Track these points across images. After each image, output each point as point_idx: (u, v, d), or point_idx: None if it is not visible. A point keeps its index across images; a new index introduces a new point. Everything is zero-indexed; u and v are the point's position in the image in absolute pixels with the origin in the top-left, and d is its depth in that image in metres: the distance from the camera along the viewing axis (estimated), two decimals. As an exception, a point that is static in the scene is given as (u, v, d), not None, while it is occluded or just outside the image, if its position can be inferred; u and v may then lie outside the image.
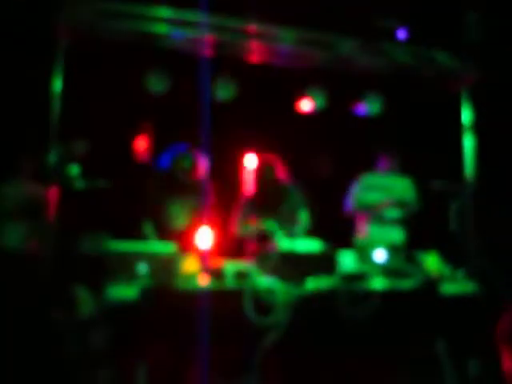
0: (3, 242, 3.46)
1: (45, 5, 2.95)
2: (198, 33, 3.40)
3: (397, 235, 3.78)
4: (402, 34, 3.75)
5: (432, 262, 3.03)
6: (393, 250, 3.08)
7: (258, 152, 3.60)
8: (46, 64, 3.10)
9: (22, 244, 3.46)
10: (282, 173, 3.46)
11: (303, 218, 3.51)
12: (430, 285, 2.89)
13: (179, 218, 3.27)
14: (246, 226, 3.34)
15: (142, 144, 3.51)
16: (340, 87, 4.39)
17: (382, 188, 3.83)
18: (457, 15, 3.64)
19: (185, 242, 2.92)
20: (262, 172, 3.44)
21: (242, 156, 3.96)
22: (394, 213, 3.83)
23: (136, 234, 3.06)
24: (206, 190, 3.34)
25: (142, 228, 3.14)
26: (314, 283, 2.71)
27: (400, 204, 3.81)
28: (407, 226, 3.86)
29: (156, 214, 3.26)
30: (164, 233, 3.15)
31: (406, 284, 2.90)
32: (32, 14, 2.98)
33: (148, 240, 3.06)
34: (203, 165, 3.40)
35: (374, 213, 3.79)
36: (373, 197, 3.82)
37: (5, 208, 3.49)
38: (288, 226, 3.37)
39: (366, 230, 3.82)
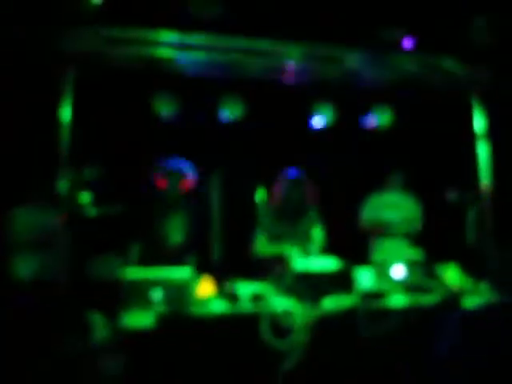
0: (16, 273, 3.43)
1: (46, 33, 2.96)
2: (203, 55, 3.38)
3: (414, 250, 3.69)
4: (408, 44, 3.68)
5: (452, 275, 2.97)
6: (411, 265, 3.03)
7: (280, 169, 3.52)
8: (55, 93, 3.10)
9: (36, 274, 3.42)
10: (309, 191, 3.42)
11: (318, 235, 3.47)
12: (452, 299, 2.82)
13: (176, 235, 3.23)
14: (265, 247, 3.30)
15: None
16: (348, 101, 4.36)
17: (392, 206, 3.86)
18: (464, 19, 3.55)
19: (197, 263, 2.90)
20: (291, 188, 3.37)
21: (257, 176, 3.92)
22: (405, 229, 3.84)
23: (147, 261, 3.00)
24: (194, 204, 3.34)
25: (129, 251, 3.09)
26: (331, 303, 2.67)
27: (408, 221, 3.84)
28: (423, 240, 3.82)
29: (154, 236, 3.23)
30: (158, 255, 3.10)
31: (427, 300, 2.84)
32: (33, 44, 2.98)
33: (132, 264, 2.98)
34: (191, 179, 3.38)
35: (387, 230, 3.80)
36: (384, 215, 3.85)
37: (16, 238, 3.46)
38: (303, 243, 3.33)
39: (381, 246, 3.81)
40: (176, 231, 3.32)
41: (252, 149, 4.42)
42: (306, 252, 3.20)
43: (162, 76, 3.55)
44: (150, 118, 4.08)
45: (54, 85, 3.12)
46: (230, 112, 4.24)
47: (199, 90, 4.09)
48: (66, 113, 3.14)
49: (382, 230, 3.81)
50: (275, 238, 3.33)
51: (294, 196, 3.34)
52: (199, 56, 3.45)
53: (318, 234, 3.48)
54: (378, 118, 4.54)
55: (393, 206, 3.85)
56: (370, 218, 3.88)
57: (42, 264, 3.42)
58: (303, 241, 3.35)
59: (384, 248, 3.78)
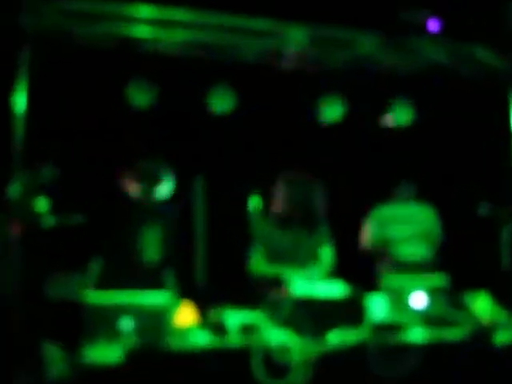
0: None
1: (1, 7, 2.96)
2: (188, 34, 3.40)
3: (436, 275, 3.73)
4: (434, 26, 3.74)
5: (483, 305, 3.01)
6: (433, 292, 3.07)
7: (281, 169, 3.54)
8: (7, 77, 3.10)
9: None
10: (318, 198, 3.41)
11: (327, 255, 3.47)
12: (482, 334, 2.85)
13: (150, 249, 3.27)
14: (262, 265, 3.32)
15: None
16: (361, 93, 4.40)
17: (403, 219, 3.85)
18: (500, 4, 3.62)
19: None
20: (298, 192, 3.37)
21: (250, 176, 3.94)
22: (419, 248, 3.83)
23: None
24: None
25: (91, 269, 3.08)
26: (338, 336, 2.67)
27: (425, 236, 3.83)
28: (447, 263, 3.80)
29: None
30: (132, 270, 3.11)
31: (452, 334, 2.85)
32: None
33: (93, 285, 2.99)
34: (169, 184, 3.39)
35: (395, 249, 3.79)
36: (393, 231, 3.83)
37: None
38: (308, 263, 3.35)
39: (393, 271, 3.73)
40: (151, 246, 3.34)
41: (245, 147, 4.45)
42: (310, 274, 3.23)
43: (138, 58, 3.57)
44: (123, 109, 4.08)
45: (6, 67, 3.11)
46: (218, 103, 4.26)
47: (182, 76, 4.11)
48: (20, 101, 3.15)
49: (386, 251, 3.79)
50: (274, 254, 3.35)
51: (300, 202, 3.34)
52: (182, 35, 3.46)
53: (327, 253, 3.49)
54: (395, 114, 4.57)
55: (402, 220, 3.84)
56: (374, 237, 3.88)
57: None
58: (308, 260, 3.37)
59: (398, 272, 3.77)
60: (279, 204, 3.41)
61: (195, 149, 4.36)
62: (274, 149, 4.37)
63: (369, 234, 3.91)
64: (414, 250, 3.80)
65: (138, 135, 4.18)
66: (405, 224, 3.85)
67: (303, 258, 3.34)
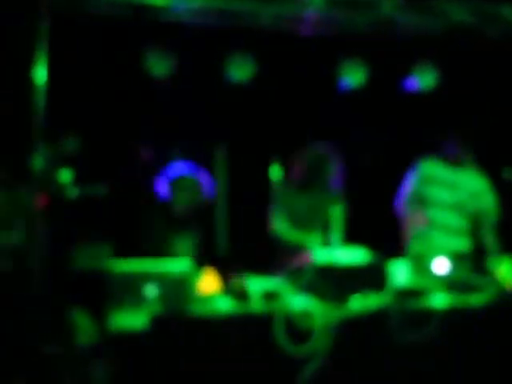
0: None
1: None
2: (205, 1, 3.38)
3: (462, 240, 3.67)
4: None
5: (507, 270, 2.99)
6: (457, 258, 3.05)
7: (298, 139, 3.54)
8: (27, 49, 3.13)
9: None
10: (337, 166, 3.41)
11: (339, 219, 3.46)
12: (506, 299, 2.86)
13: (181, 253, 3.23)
14: (286, 230, 3.34)
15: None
16: (383, 57, 4.34)
17: (447, 183, 3.68)
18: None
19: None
20: (317, 160, 3.38)
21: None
22: (459, 219, 3.71)
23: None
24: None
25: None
26: (359, 302, 2.68)
27: (467, 208, 3.68)
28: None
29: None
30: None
31: (476, 300, 2.84)
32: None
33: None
34: (209, 185, 3.33)
35: (434, 213, 3.66)
36: (435, 192, 3.69)
37: None
38: (327, 230, 3.38)
39: (423, 234, 3.69)
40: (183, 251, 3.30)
41: (264, 117, 4.41)
42: (329, 241, 3.26)
43: (155, 27, 3.56)
44: (141, 79, 4.09)
45: (25, 39, 3.13)
46: (237, 70, 4.23)
47: (199, 44, 4.09)
48: (40, 73, 3.17)
49: (422, 216, 3.68)
50: (295, 220, 3.37)
51: (320, 169, 3.36)
52: (199, 2, 3.44)
53: (339, 218, 3.48)
54: (420, 79, 4.50)
55: (447, 184, 3.65)
56: (412, 194, 3.70)
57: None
58: (327, 227, 3.39)
59: (425, 237, 3.69)
60: (298, 171, 3.44)
61: (214, 117, 4.33)
62: (294, 116, 4.33)
63: (410, 191, 3.73)
64: (450, 221, 3.70)
65: (157, 105, 4.16)
66: (447, 189, 3.70)
67: (322, 224, 3.36)
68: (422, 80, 4.52)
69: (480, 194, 3.70)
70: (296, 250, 3.16)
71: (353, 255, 2.85)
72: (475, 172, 3.72)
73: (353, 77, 4.40)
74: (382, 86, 4.47)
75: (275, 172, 3.50)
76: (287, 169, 3.52)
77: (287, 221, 3.40)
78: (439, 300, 2.81)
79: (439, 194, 3.67)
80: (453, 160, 3.67)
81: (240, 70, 4.20)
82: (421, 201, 3.68)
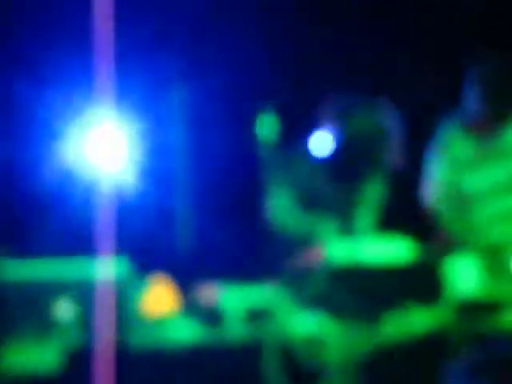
0: None
1: None
2: None
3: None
4: None
5: None
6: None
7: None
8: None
9: None
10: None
11: (372, 195, 2.85)
12: None
13: None
14: (284, 218, 2.78)
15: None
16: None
17: (488, 158, 3.10)
18: None
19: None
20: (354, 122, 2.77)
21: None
22: None
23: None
24: None
25: None
26: (399, 323, 2.28)
27: None
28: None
29: None
30: None
31: None
32: None
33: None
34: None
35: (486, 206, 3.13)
36: (476, 178, 3.14)
37: None
38: (351, 219, 2.78)
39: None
40: None
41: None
42: (353, 228, 2.70)
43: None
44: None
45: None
46: None
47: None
48: None
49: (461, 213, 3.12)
50: (307, 202, 2.78)
51: (359, 137, 2.74)
52: None
53: (374, 195, 2.90)
54: None
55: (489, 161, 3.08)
56: (442, 188, 3.14)
57: None
58: (353, 212, 2.81)
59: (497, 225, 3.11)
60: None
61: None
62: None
63: (433, 184, 3.19)
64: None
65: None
66: (493, 167, 3.10)
67: (347, 210, 2.79)
68: None
69: None
70: (300, 242, 2.65)
71: (389, 250, 2.42)
72: None
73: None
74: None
75: (267, 128, 2.71)
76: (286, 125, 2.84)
77: (290, 198, 2.80)
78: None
79: (483, 177, 3.12)
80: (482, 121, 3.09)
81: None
82: (460, 195, 3.12)
